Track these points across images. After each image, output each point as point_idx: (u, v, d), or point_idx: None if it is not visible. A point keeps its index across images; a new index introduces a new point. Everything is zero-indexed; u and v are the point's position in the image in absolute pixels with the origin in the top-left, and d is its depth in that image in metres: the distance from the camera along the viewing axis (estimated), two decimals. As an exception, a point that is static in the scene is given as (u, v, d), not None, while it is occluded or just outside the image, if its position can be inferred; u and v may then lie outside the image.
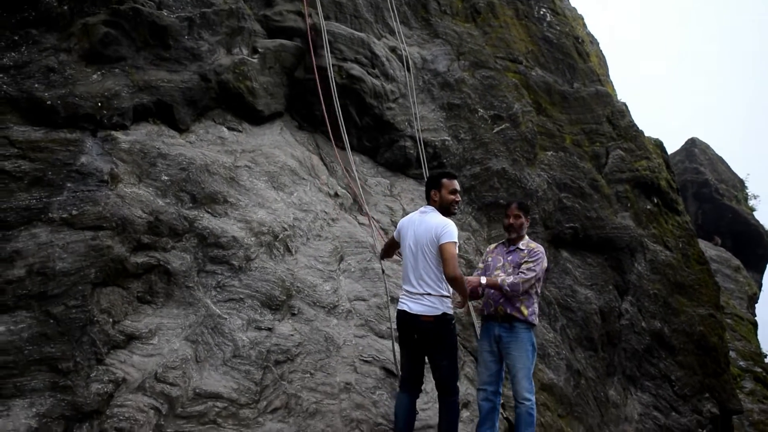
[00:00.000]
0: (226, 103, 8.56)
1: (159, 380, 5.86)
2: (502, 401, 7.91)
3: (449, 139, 10.50)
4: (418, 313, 6.12)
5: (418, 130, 10.02)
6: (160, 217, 6.68)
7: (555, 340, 9.66)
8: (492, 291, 6.95)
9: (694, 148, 38.06)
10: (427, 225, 6.20)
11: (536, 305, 6.98)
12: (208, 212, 7.17)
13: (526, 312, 6.86)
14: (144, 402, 5.69)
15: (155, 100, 7.71)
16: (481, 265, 7.40)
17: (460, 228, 9.91)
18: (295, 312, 7.11)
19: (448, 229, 6.07)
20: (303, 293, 7.30)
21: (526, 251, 7.01)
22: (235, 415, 6.00)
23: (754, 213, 37.74)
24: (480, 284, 6.78)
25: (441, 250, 6.07)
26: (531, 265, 6.88)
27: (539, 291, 7.06)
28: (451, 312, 6.17)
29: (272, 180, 8.13)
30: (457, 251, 6.13)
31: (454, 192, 6.41)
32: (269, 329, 6.75)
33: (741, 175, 39.45)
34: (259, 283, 7.00)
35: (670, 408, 11.34)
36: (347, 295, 7.73)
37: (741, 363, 19.18)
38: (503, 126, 11.18)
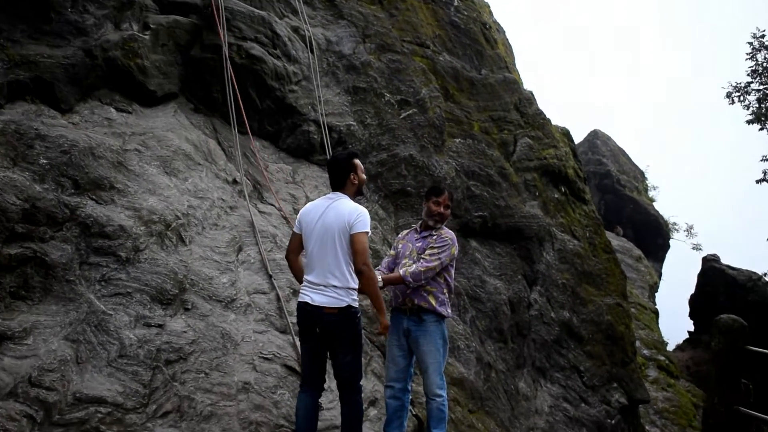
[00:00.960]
0: (114, 82, 8.00)
1: (33, 384, 5.32)
2: (411, 398, 7.62)
3: (355, 124, 10.15)
4: (321, 305, 5.74)
5: (322, 114, 9.63)
6: (38, 204, 6.11)
7: (465, 333, 9.44)
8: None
9: (596, 139, 38.83)
10: (338, 212, 5.82)
11: (447, 295, 6.69)
12: (93, 199, 6.63)
13: (434, 302, 6.57)
14: (16, 409, 5.15)
15: (33, 77, 7.11)
16: (392, 252, 7.07)
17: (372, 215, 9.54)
18: (189, 307, 6.65)
19: (361, 218, 5.73)
20: (197, 286, 6.83)
21: (436, 236, 6.71)
22: (121, 420, 5.52)
23: (654, 204, 38.77)
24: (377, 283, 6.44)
25: (352, 241, 5.71)
26: (436, 251, 6.58)
27: (451, 281, 6.76)
28: (356, 305, 5.81)
29: (165, 165, 7.62)
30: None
31: (363, 171, 6.10)
32: (160, 326, 6.27)
33: (641, 167, 40.44)
34: (149, 275, 6.51)
35: (580, 399, 11.29)
36: (246, 288, 7.30)
37: (645, 351, 19.50)
38: (410, 111, 10.90)
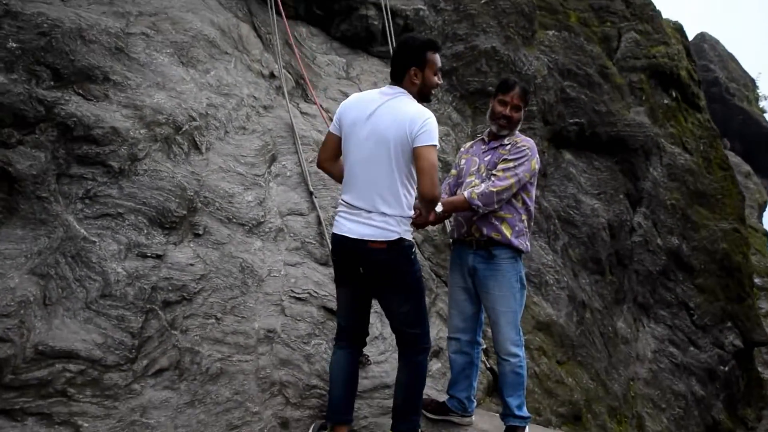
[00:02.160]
0: (121, -52, 6.54)
1: (-22, 335, 4.09)
2: (485, 346, 6.20)
3: (425, 8, 8.54)
4: (365, 237, 4.32)
5: (384, -4, 8.04)
6: (0, 100, 4.77)
7: (555, 264, 7.95)
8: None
9: (703, 43, 35.92)
10: (396, 114, 4.29)
11: (525, 223, 5.15)
12: (79, 94, 5.26)
13: (509, 233, 5.06)
14: (-50, 368, 3.94)
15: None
16: (453, 171, 5.54)
17: (438, 121, 8.00)
18: (200, 232, 5.30)
19: (428, 126, 4.20)
20: (213, 206, 5.47)
21: (509, 146, 5.13)
22: (97, 381, 4.28)
23: (765, 115, 36.06)
24: (436, 215, 4.92)
25: (416, 156, 4.20)
26: (511, 165, 5.00)
27: (531, 204, 5.22)
28: (410, 237, 4.34)
29: (180, 53, 6.20)
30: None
31: (438, 72, 4.50)
32: (158, 257, 4.95)
33: (752, 74, 37.51)
34: (149, 192, 5.16)
35: (688, 342, 9.78)
36: (278, 208, 5.91)
37: (756, 280, 17.57)
38: None
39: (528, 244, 5.21)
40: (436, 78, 4.41)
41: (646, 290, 9.90)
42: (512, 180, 4.97)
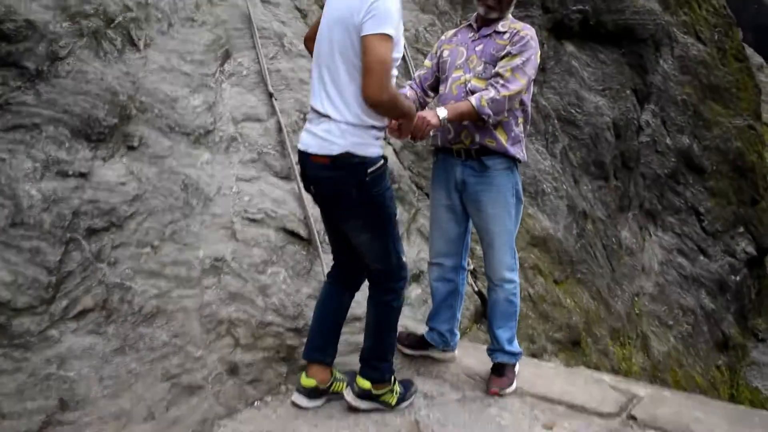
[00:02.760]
0: None
1: None
2: (472, 267, 5.56)
3: None
4: (308, 150, 3.64)
5: None
6: None
7: (553, 170, 7.24)
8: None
9: None
10: (355, 2, 3.46)
11: (522, 126, 4.42)
12: (-15, -21, 4.43)
13: (504, 139, 4.33)
14: None
15: None
16: (428, 62, 4.74)
17: (420, 8, 7.14)
18: (135, 144, 4.58)
19: (378, 8, 3.35)
20: (151, 112, 4.73)
21: (508, 35, 4.31)
22: (5, 328, 3.66)
23: (780, 3, 34.63)
24: (439, 122, 4.13)
25: (362, 48, 3.41)
26: (519, 62, 4.22)
27: (529, 102, 4.46)
28: (370, 152, 3.57)
29: (115, -70, 5.29)
30: (398, 50, 3.47)
31: None
32: (82, 175, 4.24)
33: (768, -43, 35.88)
34: (72, 98, 4.41)
35: (698, 250, 9.18)
36: (231, 114, 5.17)
37: (768, 177, 16.87)
38: None
39: (524, 151, 4.47)
40: None
41: (653, 195, 9.26)
42: (523, 81, 4.20)
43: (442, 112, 4.10)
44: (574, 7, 8.86)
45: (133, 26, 4.92)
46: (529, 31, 4.31)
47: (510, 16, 4.45)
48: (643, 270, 8.35)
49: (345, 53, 3.43)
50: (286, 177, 5.12)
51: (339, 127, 3.49)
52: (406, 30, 6.73)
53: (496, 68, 4.23)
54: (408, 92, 4.60)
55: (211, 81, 5.16)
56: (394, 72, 3.53)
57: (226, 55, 5.42)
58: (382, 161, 3.59)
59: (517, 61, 4.20)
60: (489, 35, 4.36)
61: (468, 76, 4.33)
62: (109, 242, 4.15)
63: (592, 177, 8.22)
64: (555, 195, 7.03)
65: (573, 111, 8.25)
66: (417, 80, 4.69)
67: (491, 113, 4.14)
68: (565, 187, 7.26)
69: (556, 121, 7.88)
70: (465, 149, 4.34)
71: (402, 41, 3.52)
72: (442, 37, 4.78)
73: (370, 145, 3.54)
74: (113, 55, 4.76)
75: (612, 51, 9.30)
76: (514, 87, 4.15)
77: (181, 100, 4.89)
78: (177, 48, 5.13)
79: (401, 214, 5.68)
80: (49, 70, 4.43)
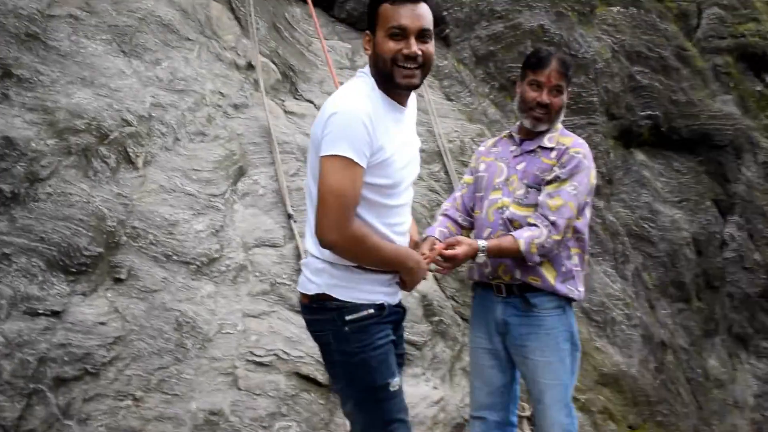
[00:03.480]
0: None
1: None
2: (528, 413, 4.79)
3: (453, -21, 7.17)
4: (298, 288, 2.94)
5: (400, -35, 6.66)
6: None
7: (624, 295, 6.49)
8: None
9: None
10: (322, 110, 2.83)
11: (578, 258, 3.68)
12: (-39, 94, 4.04)
13: (552, 276, 3.60)
14: None
15: None
16: (468, 178, 4.06)
17: (467, 117, 6.59)
18: (122, 276, 4.05)
19: (332, 125, 2.66)
20: (145, 239, 4.20)
21: (555, 153, 3.64)
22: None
23: None
24: (477, 253, 3.45)
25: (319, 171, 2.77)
26: (569, 189, 3.51)
27: (585, 228, 3.73)
28: (354, 297, 2.82)
29: (121, 40, 4.97)
30: (379, 174, 2.72)
31: (399, 34, 2.74)
32: (55, 314, 3.72)
33: None
34: (51, 224, 3.94)
35: (799, 380, 8.17)
36: (242, 239, 4.60)
37: None
38: None
39: (581, 288, 3.72)
40: (392, 43, 2.72)
41: (743, 317, 8.42)
42: (574, 211, 3.53)
43: (482, 244, 3.43)
44: (643, 113, 8.28)
45: (130, 142, 4.47)
46: (581, 148, 3.63)
47: (560, 125, 3.80)
48: (736, 405, 7.45)
49: (315, 178, 2.79)
50: (304, 311, 4.48)
51: (315, 264, 2.82)
52: (450, 141, 6.16)
53: (542, 196, 3.55)
54: (439, 229, 3.86)
55: (219, 202, 4.61)
56: (381, 202, 2.80)
57: (240, 173, 4.89)
58: (370, 310, 2.83)
59: (567, 188, 3.52)
60: (533, 151, 3.68)
61: (507, 200, 3.66)
62: (81, 394, 3.57)
63: (671, 300, 7.48)
64: (627, 324, 6.25)
65: (646, 226, 7.60)
66: (458, 201, 4.02)
67: (537, 259, 3.49)
68: (638, 314, 6.48)
69: (626, 239, 7.18)
70: (505, 285, 3.63)
71: (395, 163, 2.76)
72: (481, 147, 4.13)
73: (354, 289, 2.80)
74: (105, 174, 4.29)
75: (688, 159, 8.66)
76: (563, 222, 3.47)
77: (181, 224, 4.36)
78: (182, 165, 4.63)
79: (443, 351, 4.95)
80: (27, 192, 3.98)
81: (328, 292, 2.76)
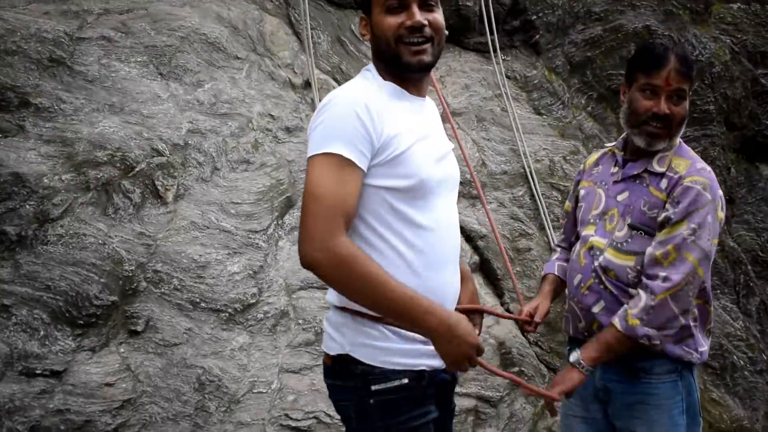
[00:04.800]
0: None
1: None
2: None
3: (543, -21, 6.50)
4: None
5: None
6: None
7: (747, 334, 5.68)
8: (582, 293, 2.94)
9: None
10: None
11: (700, 309, 2.88)
12: (-26, 127, 3.70)
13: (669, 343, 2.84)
14: None
15: None
16: (568, 205, 3.31)
17: (559, 132, 5.87)
18: (139, 328, 3.60)
19: (318, 120, 2.13)
20: (168, 284, 3.74)
21: (666, 182, 2.85)
22: None
23: None
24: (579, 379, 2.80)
25: None
26: (685, 232, 2.70)
27: (707, 274, 2.90)
28: (381, 361, 2.21)
29: (159, 61, 4.56)
30: (390, 174, 2.11)
31: (398, 5, 2.20)
32: (55, 374, 3.27)
33: None
34: (59, 269, 3.54)
35: None
36: (285, 281, 4.08)
37: None
38: None
39: (704, 347, 2.92)
40: (390, 18, 2.19)
41: None
42: (695, 262, 2.72)
43: (573, 358, 2.75)
44: None
45: (160, 174, 4.02)
46: (700, 177, 2.79)
47: (677, 140, 3.00)
48: None
49: None
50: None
51: (336, 317, 2.24)
52: (538, 160, 5.48)
53: (652, 248, 2.78)
54: (558, 264, 3.16)
55: (260, 239, 4.10)
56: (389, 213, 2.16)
57: (288, 205, 4.37)
58: (404, 380, 2.19)
59: (683, 231, 2.71)
60: (638, 176, 2.90)
61: (601, 241, 2.92)
62: (78, 469, 3.07)
63: None
64: (751, 369, 5.40)
65: None
66: (566, 235, 3.31)
67: (652, 333, 2.70)
68: (764, 356, 5.61)
69: (750, 267, 6.30)
70: None
71: (415, 156, 2.14)
72: (582, 165, 3.38)
73: (385, 351, 2.20)
74: (127, 211, 3.85)
75: None
76: (679, 277, 2.67)
77: (213, 265, 3.86)
78: (219, 198, 4.14)
79: (523, 407, 4.28)
80: (36, 235, 3.57)
81: (352, 353, 2.16)
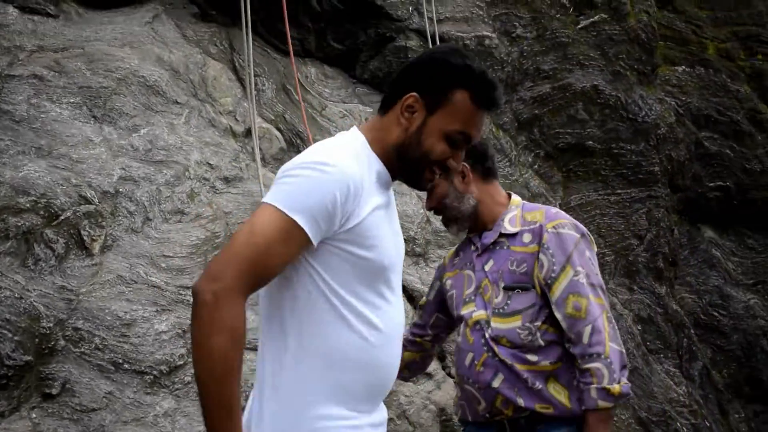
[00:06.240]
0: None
1: None
2: None
3: (493, 35, 6.45)
4: None
5: (432, 19, 5.98)
6: None
7: (690, 400, 5.62)
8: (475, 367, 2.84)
9: None
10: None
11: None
12: None
13: (565, 397, 2.74)
14: None
15: None
16: (424, 300, 3.21)
17: (511, 189, 5.83)
18: (54, 391, 3.32)
19: (291, 175, 1.88)
20: (89, 343, 3.49)
21: (528, 235, 2.84)
22: None
23: None
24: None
25: None
26: (578, 279, 2.75)
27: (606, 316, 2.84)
28: None
29: (93, 103, 4.33)
30: (297, 247, 1.82)
31: (461, 141, 2.05)
32: None
33: None
34: None
35: None
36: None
37: None
38: (595, 18, 7.22)
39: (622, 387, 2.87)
40: (446, 147, 2.03)
41: (831, 419, 7.45)
42: (598, 301, 2.74)
43: None
44: (712, 184, 7.67)
45: (87, 223, 3.77)
46: (560, 220, 2.83)
47: (518, 199, 2.97)
48: None
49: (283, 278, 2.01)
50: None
51: (265, 392, 1.99)
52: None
53: (558, 310, 2.69)
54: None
55: (190, 296, 3.85)
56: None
57: (223, 258, 4.13)
58: None
59: (574, 277, 2.70)
60: (496, 243, 2.86)
61: (483, 313, 2.81)
62: None
63: (746, 401, 6.68)
64: (692, 436, 5.35)
65: (716, 314, 6.83)
66: (410, 334, 3.19)
67: (626, 390, 2.69)
68: (707, 423, 5.56)
69: (692, 331, 6.33)
70: (510, 421, 2.77)
71: (374, 232, 1.95)
72: (442, 261, 3.29)
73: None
74: (48, 263, 3.58)
75: (764, 235, 8.11)
76: (600, 321, 2.69)
77: (139, 324, 3.61)
78: (149, 251, 3.90)
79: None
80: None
81: None
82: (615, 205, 6.42)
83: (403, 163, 2.04)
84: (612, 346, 2.66)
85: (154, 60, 4.76)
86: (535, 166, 6.33)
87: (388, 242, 2.01)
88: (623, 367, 2.67)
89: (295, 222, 1.81)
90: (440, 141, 2.00)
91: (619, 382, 2.62)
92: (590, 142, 6.54)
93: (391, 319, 2.01)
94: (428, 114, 2.00)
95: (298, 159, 1.93)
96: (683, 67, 8.18)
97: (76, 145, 4.04)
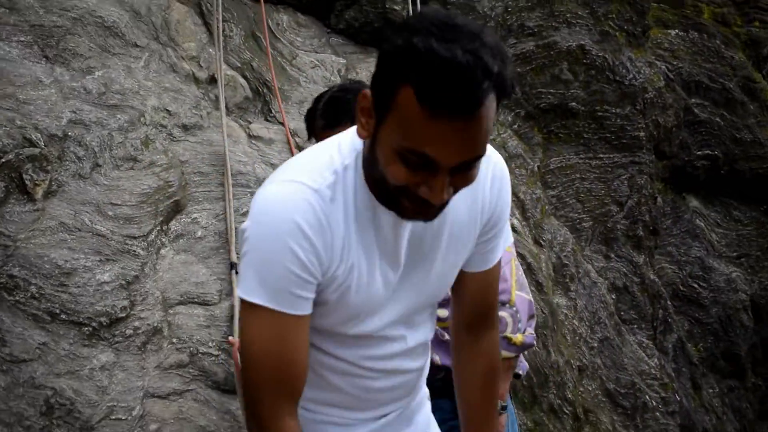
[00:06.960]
0: None
1: None
2: None
3: (476, -13, 6.34)
4: None
5: (412, -30, 5.85)
6: None
7: (661, 373, 5.54)
8: None
9: None
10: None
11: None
12: None
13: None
14: None
15: None
16: None
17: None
18: None
19: (247, 245, 1.61)
20: (24, 292, 3.37)
21: None
22: None
23: None
24: None
25: None
26: None
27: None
28: None
29: (45, 42, 4.17)
30: (295, 326, 1.64)
31: (420, 165, 1.47)
32: None
33: None
34: None
35: None
36: (163, 293, 3.71)
37: None
38: None
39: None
40: (403, 169, 1.47)
41: (809, 397, 7.42)
42: (511, 252, 2.90)
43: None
44: (700, 152, 7.61)
45: (30, 167, 3.61)
46: None
47: None
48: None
49: None
50: (229, 390, 3.55)
51: None
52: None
53: None
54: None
55: (139, 246, 3.73)
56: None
57: (175, 210, 4.01)
58: None
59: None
60: None
61: None
62: None
63: (721, 376, 6.61)
64: (663, 410, 5.28)
65: (696, 286, 6.75)
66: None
67: (525, 335, 2.82)
68: (678, 397, 5.49)
69: (669, 302, 6.25)
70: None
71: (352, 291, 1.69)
72: None
73: None
74: (-15, 207, 3.41)
75: (750, 207, 8.04)
76: (513, 279, 2.87)
77: (80, 273, 3.47)
78: (96, 198, 3.76)
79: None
80: None
81: None
82: (596, 169, 6.30)
83: (376, 186, 1.61)
84: (519, 294, 2.74)
85: (114, 0, 4.59)
86: (515, 126, 6.19)
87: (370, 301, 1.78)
88: (531, 317, 2.77)
89: (260, 306, 1.57)
90: (393, 161, 1.46)
91: (523, 332, 2.70)
92: (573, 104, 6.41)
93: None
94: (377, 122, 1.50)
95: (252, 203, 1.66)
96: (676, 30, 8.03)
97: (24, 85, 3.87)
